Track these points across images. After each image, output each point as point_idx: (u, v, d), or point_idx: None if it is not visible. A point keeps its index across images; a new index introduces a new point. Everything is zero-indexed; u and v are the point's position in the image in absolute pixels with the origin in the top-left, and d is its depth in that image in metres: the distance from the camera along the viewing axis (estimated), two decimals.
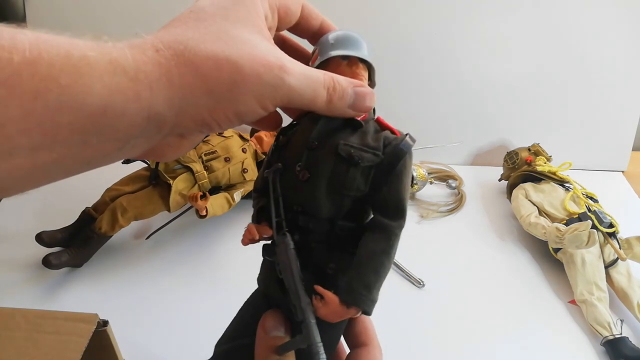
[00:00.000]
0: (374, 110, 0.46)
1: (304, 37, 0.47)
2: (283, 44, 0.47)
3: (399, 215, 0.44)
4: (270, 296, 0.48)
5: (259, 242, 0.47)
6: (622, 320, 0.80)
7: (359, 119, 0.44)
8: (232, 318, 0.52)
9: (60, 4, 1.09)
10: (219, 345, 0.52)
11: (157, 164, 0.90)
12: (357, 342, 0.49)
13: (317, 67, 0.44)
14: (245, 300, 0.52)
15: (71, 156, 0.31)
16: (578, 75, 1.16)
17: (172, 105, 0.33)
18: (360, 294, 0.42)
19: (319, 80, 0.39)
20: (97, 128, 0.30)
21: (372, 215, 0.45)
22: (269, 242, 0.46)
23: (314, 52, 0.46)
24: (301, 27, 0.45)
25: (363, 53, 0.44)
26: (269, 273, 0.47)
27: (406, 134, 0.44)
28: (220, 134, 0.96)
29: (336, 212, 0.44)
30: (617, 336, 0.77)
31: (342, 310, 0.42)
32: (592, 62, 1.15)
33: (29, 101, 0.27)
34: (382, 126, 0.45)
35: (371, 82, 0.47)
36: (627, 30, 1.11)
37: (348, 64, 0.45)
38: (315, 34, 0.46)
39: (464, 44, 1.14)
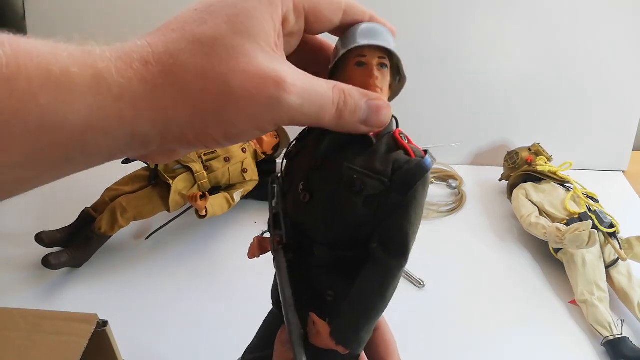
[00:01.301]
0: (396, 120, 0.42)
1: None
2: (306, 45, 0.41)
3: (401, 252, 0.40)
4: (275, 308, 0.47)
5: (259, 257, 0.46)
6: (622, 321, 0.79)
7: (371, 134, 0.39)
8: (259, 326, 0.51)
9: (60, 2, 1.08)
10: (245, 354, 0.52)
11: (157, 164, 0.90)
12: (376, 357, 0.47)
13: (334, 66, 0.40)
14: (270, 309, 0.51)
15: (55, 170, 0.30)
16: (579, 75, 1.16)
17: (156, 125, 0.31)
18: (348, 336, 0.40)
19: (326, 95, 0.34)
20: (79, 146, 0.29)
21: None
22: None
23: (334, 50, 0.42)
24: (340, 32, 0.41)
25: (387, 43, 0.39)
26: (275, 286, 0.46)
27: (425, 152, 0.40)
28: None
29: (336, 240, 0.41)
30: (617, 336, 0.76)
31: (330, 343, 0.40)
32: (593, 61, 1.15)
33: (6, 122, 0.26)
34: (397, 144, 0.40)
35: (400, 77, 0.42)
36: (628, 29, 1.11)
37: (368, 62, 0.39)
38: None
39: (465, 43, 1.14)
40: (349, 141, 0.39)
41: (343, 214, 0.39)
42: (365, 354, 0.47)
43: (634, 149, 1.22)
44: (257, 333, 0.52)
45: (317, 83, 0.34)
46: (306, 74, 0.34)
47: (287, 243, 0.42)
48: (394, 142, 0.40)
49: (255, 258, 0.47)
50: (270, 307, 0.49)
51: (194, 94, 0.31)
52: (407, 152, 0.40)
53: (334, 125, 0.36)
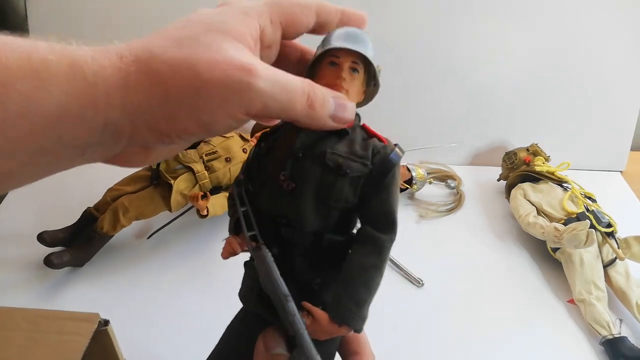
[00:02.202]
0: (359, 117, 0.44)
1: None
2: (285, 53, 0.43)
3: (390, 228, 0.42)
4: (254, 312, 0.46)
5: (239, 254, 0.45)
6: (621, 320, 0.80)
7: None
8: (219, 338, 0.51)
9: (62, 3, 1.08)
10: None
11: (159, 164, 0.91)
12: (349, 351, 0.48)
13: (311, 64, 0.42)
14: (230, 322, 0.50)
15: (32, 163, 0.30)
16: (576, 75, 1.16)
17: (127, 113, 0.31)
18: (350, 312, 0.40)
19: (296, 84, 0.35)
20: (55, 134, 0.29)
21: (357, 226, 0.44)
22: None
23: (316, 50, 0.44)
24: (320, 32, 0.42)
25: (363, 49, 0.41)
26: (250, 288, 0.46)
27: (395, 144, 0.42)
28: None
29: (323, 225, 0.42)
30: (616, 336, 0.77)
31: (332, 328, 0.40)
32: (591, 62, 1.15)
33: None
34: (368, 133, 0.43)
35: (375, 82, 0.44)
36: (625, 30, 1.11)
37: (340, 63, 0.41)
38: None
39: (463, 44, 1.14)
40: (325, 134, 0.41)
41: (331, 197, 0.41)
42: (338, 351, 0.48)
43: (631, 149, 1.22)
44: (216, 346, 0.51)
45: (287, 75, 0.35)
46: (277, 69, 0.35)
47: (264, 241, 0.42)
48: (365, 132, 0.43)
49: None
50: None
51: (165, 81, 0.31)
52: (380, 140, 0.43)
53: (305, 115, 0.36)
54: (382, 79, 0.44)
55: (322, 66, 0.42)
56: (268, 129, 0.46)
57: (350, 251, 0.43)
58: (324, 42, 0.42)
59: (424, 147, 1.13)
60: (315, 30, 0.41)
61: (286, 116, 0.36)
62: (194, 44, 0.32)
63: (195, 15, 0.35)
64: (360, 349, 0.48)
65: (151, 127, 0.32)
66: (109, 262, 0.89)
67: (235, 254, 0.45)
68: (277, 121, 0.46)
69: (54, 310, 0.60)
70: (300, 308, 0.41)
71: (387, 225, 0.42)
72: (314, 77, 0.42)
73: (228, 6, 0.36)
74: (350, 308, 0.41)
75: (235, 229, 0.45)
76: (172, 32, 0.33)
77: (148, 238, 0.93)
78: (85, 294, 0.84)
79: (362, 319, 0.41)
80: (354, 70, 0.42)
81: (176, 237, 0.95)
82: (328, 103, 0.38)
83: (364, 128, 0.43)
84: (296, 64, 0.44)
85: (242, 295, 0.48)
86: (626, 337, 0.77)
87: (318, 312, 0.41)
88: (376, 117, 0.48)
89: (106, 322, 0.59)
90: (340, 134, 0.42)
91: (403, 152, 0.43)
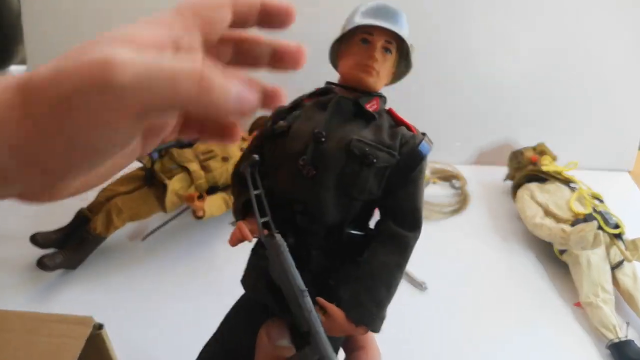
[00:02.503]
0: (384, 100, 0.42)
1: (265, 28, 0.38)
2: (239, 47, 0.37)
3: (416, 225, 0.41)
4: (261, 301, 0.44)
5: (250, 241, 0.43)
6: (627, 323, 0.79)
7: (371, 109, 0.40)
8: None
9: (55, 1, 1.08)
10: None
11: (153, 163, 0.89)
12: (354, 346, 0.46)
13: (337, 41, 0.40)
14: (231, 309, 0.49)
15: None
16: (584, 74, 1.15)
17: (10, 154, 0.27)
18: (370, 313, 0.39)
19: (182, 67, 0.29)
20: None
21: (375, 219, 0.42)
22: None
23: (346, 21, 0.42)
24: (244, 27, 0.36)
25: (398, 27, 0.39)
26: (258, 277, 0.44)
27: (423, 134, 0.41)
28: None
29: (343, 217, 0.41)
30: (622, 339, 0.76)
31: (348, 327, 0.39)
32: (598, 61, 1.14)
33: None
34: (396, 120, 0.42)
35: (407, 63, 0.43)
36: (633, 30, 1.11)
37: (372, 41, 0.40)
38: (265, 21, 0.36)
39: (471, 42, 1.13)
40: (351, 116, 0.40)
41: (355, 187, 0.39)
42: (342, 345, 0.46)
43: (639, 149, 1.21)
44: (212, 340, 0.49)
45: (165, 59, 0.29)
46: (155, 56, 0.29)
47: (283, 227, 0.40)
48: (392, 118, 0.42)
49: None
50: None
51: (32, 107, 0.27)
52: (408, 128, 0.42)
53: (197, 101, 0.29)
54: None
55: (352, 42, 0.41)
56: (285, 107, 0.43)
57: (370, 247, 0.41)
58: (354, 15, 0.41)
59: None
60: (237, 25, 0.36)
61: (179, 106, 0.30)
62: (72, 53, 0.27)
63: (108, 32, 0.30)
64: (366, 343, 0.46)
65: (33, 165, 0.28)
66: (103, 264, 0.88)
67: (244, 241, 0.42)
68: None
69: (47, 313, 0.59)
70: (314, 303, 0.39)
71: (413, 222, 0.41)
72: (340, 53, 0.41)
73: (140, 20, 0.31)
74: (370, 309, 0.39)
75: (243, 211, 0.43)
76: (70, 51, 0.28)
77: (143, 240, 0.92)
78: (79, 297, 0.83)
79: (381, 319, 0.40)
80: (386, 50, 0.41)
81: (171, 238, 0.94)
82: (227, 87, 0.30)
83: (390, 113, 0.42)
84: (268, 57, 0.39)
85: (248, 283, 0.46)
86: (632, 341, 0.76)
87: (334, 309, 0.39)
88: None
89: (100, 326, 0.58)
90: (366, 117, 0.40)
91: (432, 144, 0.41)
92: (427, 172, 1.08)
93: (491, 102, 1.18)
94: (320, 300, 0.40)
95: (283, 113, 0.43)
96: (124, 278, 0.86)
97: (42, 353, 0.54)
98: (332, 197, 0.40)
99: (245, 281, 0.46)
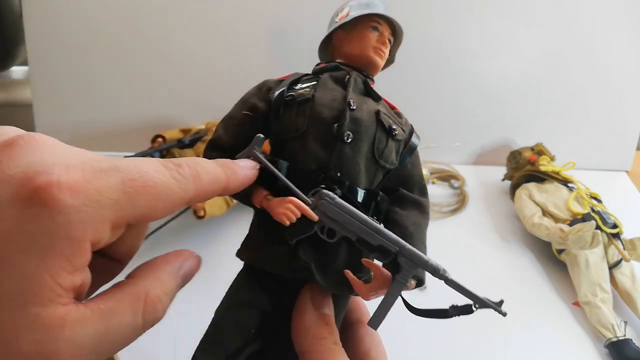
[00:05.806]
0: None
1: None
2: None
3: (425, 192, 0.46)
4: (278, 272, 0.43)
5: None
6: (625, 322, 0.79)
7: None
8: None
9: (57, 1, 1.08)
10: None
11: None
12: (352, 320, 0.47)
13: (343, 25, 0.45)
14: (235, 282, 0.49)
15: None
16: (582, 74, 1.15)
17: None
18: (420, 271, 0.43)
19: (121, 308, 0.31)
20: None
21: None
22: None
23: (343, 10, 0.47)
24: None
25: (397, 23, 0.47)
26: (279, 250, 0.42)
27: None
28: None
29: (369, 184, 0.42)
30: (620, 338, 0.76)
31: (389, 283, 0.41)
32: (597, 61, 1.14)
33: None
34: (389, 106, 0.46)
35: (391, 58, 0.49)
36: (632, 29, 1.11)
37: (381, 31, 0.46)
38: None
39: (468, 42, 1.13)
40: (364, 93, 0.44)
41: (382, 156, 0.42)
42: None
43: (637, 149, 1.22)
44: (215, 327, 0.48)
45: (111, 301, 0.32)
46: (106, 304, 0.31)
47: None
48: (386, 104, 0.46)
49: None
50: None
51: None
52: (399, 114, 0.46)
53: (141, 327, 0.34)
54: (385, 76, 0.46)
55: (362, 28, 0.45)
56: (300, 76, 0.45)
57: (391, 212, 0.43)
58: (351, 9, 0.46)
59: (427, 147, 1.12)
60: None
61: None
62: None
63: None
64: (363, 317, 0.48)
65: None
66: None
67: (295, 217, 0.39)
68: None
69: None
70: (360, 267, 0.42)
71: (422, 189, 0.46)
72: (342, 38, 0.46)
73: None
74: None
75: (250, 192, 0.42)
76: None
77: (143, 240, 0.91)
78: None
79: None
80: (388, 40, 0.47)
81: (172, 238, 0.94)
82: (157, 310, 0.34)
83: (384, 101, 0.46)
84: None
85: (265, 261, 0.44)
86: (631, 340, 0.76)
87: (380, 268, 0.41)
88: None
89: None
90: (375, 98, 0.44)
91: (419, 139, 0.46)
92: (426, 172, 1.08)
93: (489, 103, 1.18)
94: (366, 260, 0.41)
95: (297, 82, 0.44)
96: (124, 278, 0.86)
97: None
98: (364, 163, 0.41)
99: (255, 259, 0.45)
